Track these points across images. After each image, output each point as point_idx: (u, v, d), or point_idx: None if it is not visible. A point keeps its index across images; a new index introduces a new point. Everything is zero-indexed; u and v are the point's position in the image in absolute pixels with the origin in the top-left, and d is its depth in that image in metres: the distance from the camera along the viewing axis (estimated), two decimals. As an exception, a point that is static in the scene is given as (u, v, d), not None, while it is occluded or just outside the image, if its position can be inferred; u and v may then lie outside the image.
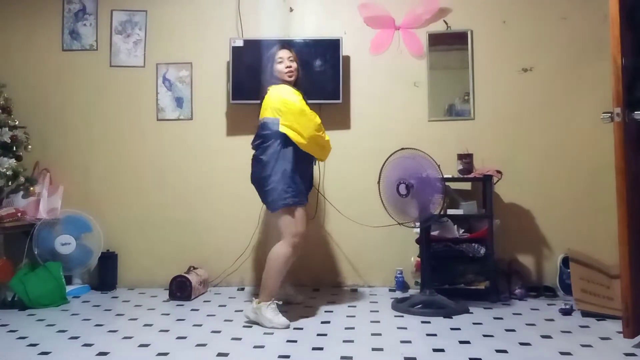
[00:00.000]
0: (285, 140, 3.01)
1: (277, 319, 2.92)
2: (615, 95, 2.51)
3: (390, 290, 3.83)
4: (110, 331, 2.90)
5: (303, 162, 3.10)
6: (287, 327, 2.90)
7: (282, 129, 2.99)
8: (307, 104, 3.13)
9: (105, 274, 3.95)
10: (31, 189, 3.82)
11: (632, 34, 2.57)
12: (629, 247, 2.47)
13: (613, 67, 2.50)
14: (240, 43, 3.91)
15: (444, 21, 3.95)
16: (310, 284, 3.89)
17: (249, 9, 4.05)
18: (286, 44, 3.33)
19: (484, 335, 2.73)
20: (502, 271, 3.65)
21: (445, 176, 3.25)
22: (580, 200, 3.75)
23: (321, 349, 2.56)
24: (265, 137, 3.05)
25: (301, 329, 2.90)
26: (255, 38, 3.94)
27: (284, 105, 3.02)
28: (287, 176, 2.99)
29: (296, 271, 3.54)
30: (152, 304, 3.51)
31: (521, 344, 2.59)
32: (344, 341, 2.68)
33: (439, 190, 3.18)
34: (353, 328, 2.91)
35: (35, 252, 3.75)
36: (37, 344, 2.67)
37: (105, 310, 3.39)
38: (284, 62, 3.16)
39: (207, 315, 3.21)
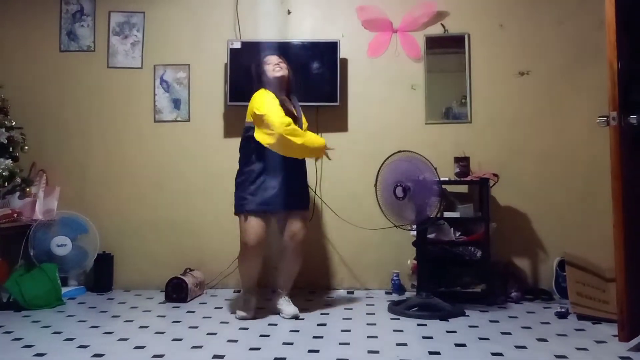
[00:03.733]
0: (256, 146, 3.11)
1: (238, 311, 3.18)
2: (611, 99, 2.52)
3: (386, 292, 3.83)
4: (105, 333, 2.89)
5: (273, 169, 3.13)
6: (242, 319, 3.11)
7: (255, 133, 3.11)
8: (288, 107, 3.19)
9: (101, 276, 3.95)
10: (27, 190, 3.82)
11: (628, 39, 2.58)
12: (624, 250, 2.48)
13: (609, 72, 2.51)
14: (237, 45, 3.91)
15: (442, 24, 3.96)
16: (307, 286, 3.88)
17: (247, 11, 4.05)
18: (274, 52, 3.40)
19: (480, 338, 2.73)
20: (498, 274, 3.65)
21: (442, 179, 3.26)
22: (577, 204, 3.76)
23: (317, 351, 2.56)
24: (243, 141, 3.26)
25: (297, 331, 2.90)
26: (253, 40, 3.95)
27: (252, 109, 3.15)
28: (248, 181, 3.15)
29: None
30: (148, 306, 3.50)
31: (517, 347, 2.60)
32: (340, 343, 2.67)
33: (435, 193, 3.18)
34: (349, 330, 2.91)
35: (31, 254, 3.74)
36: (33, 345, 2.66)
37: (101, 311, 3.38)
38: (271, 63, 3.28)
39: (203, 317, 3.20)
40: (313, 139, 3.20)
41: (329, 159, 3.34)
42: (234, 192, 3.22)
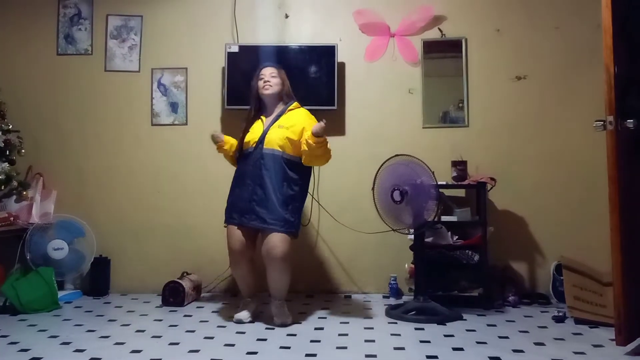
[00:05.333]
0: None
1: (236, 314, 3.19)
2: (607, 104, 2.53)
3: (384, 296, 3.83)
4: (102, 337, 2.88)
5: (238, 182, 3.24)
6: (237, 322, 3.13)
7: None
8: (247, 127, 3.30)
9: (97, 280, 3.93)
10: (24, 193, 3.81)
11: (625, 43, 2.59)
12: (621, 254, 2.49)
13: (606, 76, 2.53)
14: (235, 49, 3.92)
15: (439, 29, 3.97)
16: (304, 290, 3.88)
17: (245, 15, 4.06)
18: (270, 64, 3.37)
19: (477, 342, 2.73)
20: (496, 278, 3.65)
21: (439, 183, 3.26)
22: (574, 208, 3.76)
23: (314, 355, 2.55)
24: None
25: (295, 335, 2.90)
26: (251, 44, 3.95)
27: None
28: (231, 190, 3.29)
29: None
30: (145, 310, 3.49)
31: (514, 351, 2.60)
32: (338, 347, 2.67)
33: (433, 196, 3.18)
34: (347, 334, 2.90)
35: (28, 257, 3.72)
36: (29, 350, 2.65)
37: (98, 315, 3.37)
38: (263, 78, 3.27)
39: (200, 321, 3.19)
40: None
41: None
42: None
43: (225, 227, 3.24)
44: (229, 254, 3.20)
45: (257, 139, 3.18)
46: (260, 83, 3.28)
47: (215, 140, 3.36)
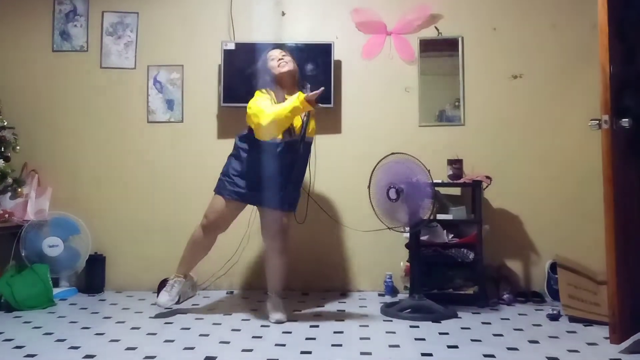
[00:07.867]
0: (249, 142, 3.16)
1: (161, 295, 3.26)
2: (603, 103, 2.53)
3: (379, 294, 3.83)
4: (97, 334, 2.88)
5: (270, 165, 3.12)
6: (163, 306, 3.24)
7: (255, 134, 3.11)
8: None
9: (92, 277, 3.93)
10: (19, 190, 3.79)
11: (621, 43, 2.60)
12: (616, 253, 2.50)
13: (602, 75, 2.53)
14: (231, 46, 3.91)
15: (435, 27, 3.98)
16: (300, 288, 3.88)
17: (241, 13, 4.05)
18: (278, 46, 3.34)
19: (472, 340, 2.74)
20: (491, 276, 3.66)
21: (435, 181, 3.26)
22: (569, 207, 3.78)
23: (310, 352, 2.56)
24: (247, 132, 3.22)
25: (290, 332, 2.90)
26: (247, 41, 3.94)
27: (249, 111, 3.09)
28: (230, 172, 3.19)
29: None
30: (140, 307, 3.49)
31: (509, 349, 2.60)
32: (333, 345, 2.67)
33: (428, 195, 3.19)
34: (342, 332, 2.91)
35: (23, 254, 3.72)
36: (23, 346, 2.64)
37: (93, 313, 3.36)
38: (275, 58, 3.20)
39: (196, 319, 3.19)
40: (281, 108, 2.96)
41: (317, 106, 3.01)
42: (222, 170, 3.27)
43: (217, 194, 3.23)
44: (212, 223, 3.22)
45: (300, 127, 3.11)
46: (274, 63, 3.17)
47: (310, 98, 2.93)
